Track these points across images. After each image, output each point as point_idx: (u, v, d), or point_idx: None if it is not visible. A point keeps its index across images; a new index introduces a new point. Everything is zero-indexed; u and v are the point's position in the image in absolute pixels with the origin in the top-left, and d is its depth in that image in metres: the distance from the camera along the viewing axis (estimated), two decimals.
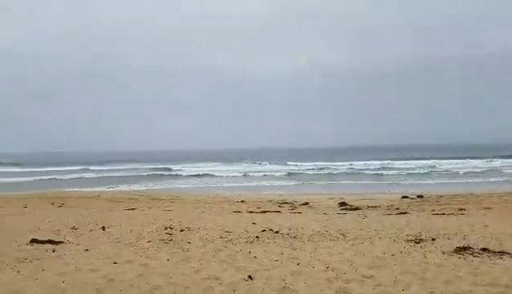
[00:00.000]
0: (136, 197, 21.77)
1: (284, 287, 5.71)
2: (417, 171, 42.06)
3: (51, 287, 5.67)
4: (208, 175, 43.04)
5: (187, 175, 42.29)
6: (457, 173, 40.00)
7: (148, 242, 8.77)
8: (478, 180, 33.34)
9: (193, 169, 48.96)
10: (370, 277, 6.15)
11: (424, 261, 7.00)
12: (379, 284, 5.81)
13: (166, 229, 10.30)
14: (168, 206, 17.10)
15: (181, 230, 10.12)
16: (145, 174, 43.70)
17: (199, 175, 42.85)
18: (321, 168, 47.36)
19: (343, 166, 50.17)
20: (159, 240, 8.93)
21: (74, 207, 16.23)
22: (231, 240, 8.97)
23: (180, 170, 48.29)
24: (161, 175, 43.46)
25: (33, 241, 8.53)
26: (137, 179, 38.57)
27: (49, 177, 40.16)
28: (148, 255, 7.58)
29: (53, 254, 7.62)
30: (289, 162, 56.96)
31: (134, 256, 7.44)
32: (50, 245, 8.28)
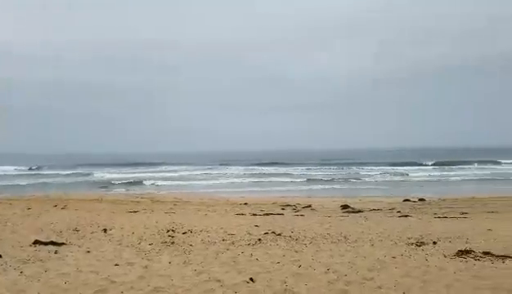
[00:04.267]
0: (139, 199, 21.81)
1: (285, 290, 5.72)
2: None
3: (53, 288, 5.71)
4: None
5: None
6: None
7: (150, 244, 8.80)
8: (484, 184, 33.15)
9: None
10: (371, 279, 6.15)
11: (426, 264, 6.99)
12: (379, 287, 5.82)
13: (168, 231, 10.33)
14: (171, 208, 17.13)
15: (184, 233, 10.15)
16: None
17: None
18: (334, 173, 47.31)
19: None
20: (161, 242, 8.96)
21: (76, 209, 16.27)
22: (233, 242, 8.99)
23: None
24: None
25: (36, 242, 8.59)
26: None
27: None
28: (149, 257, 7.61)
29: (55, 255, 7.66)
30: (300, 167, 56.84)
31: (135, 258, 7.47)
32: (52, 246, 8.34)
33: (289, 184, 36.09)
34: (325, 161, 67.69)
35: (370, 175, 43.20)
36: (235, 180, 40.59)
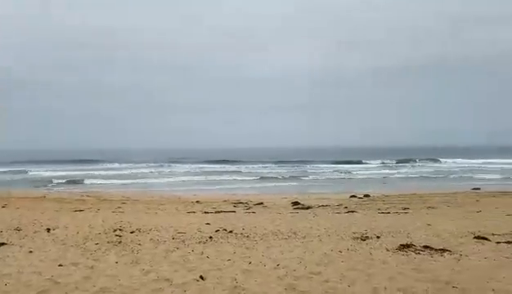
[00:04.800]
0: (84, 198, 21.05)
1: (235, 286, 5.76)
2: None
3: None
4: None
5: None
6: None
7: (96, 244, 8.53)
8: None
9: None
10: (318, 273, 6.33)
11: (370, 258, 7.28)
12: (326, 280, 6.00)
13: (115, 230, 10.06)
14: (119, 207, 16.67)
15: (132, 232, 9.93)
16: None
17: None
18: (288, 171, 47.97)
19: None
20: (108, 242, 8.70)
21: (17, 207, 15.44)
22: (183, 241, 8.90)
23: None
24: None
25: None
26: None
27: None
28: (95, 257, 7.38)
29: None
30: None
31: (80, 259, 7.22)
32: None
33: (241, 181, 36.21)
34: (279, 159, 68.48)
35: (320, 173, 44.32)
36: (187, 178, 40.05)
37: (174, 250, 7.99)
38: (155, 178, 39.77)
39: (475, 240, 8.80)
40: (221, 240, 8.99)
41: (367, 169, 49.69)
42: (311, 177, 39.90)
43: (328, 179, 38.23)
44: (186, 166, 55.37)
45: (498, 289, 5.57)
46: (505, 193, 21.50)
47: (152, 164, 57.02)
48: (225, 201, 19.59)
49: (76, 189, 28.25)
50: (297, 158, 68.31)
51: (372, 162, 59.35)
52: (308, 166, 54.94)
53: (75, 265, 6.79)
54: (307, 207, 16.47)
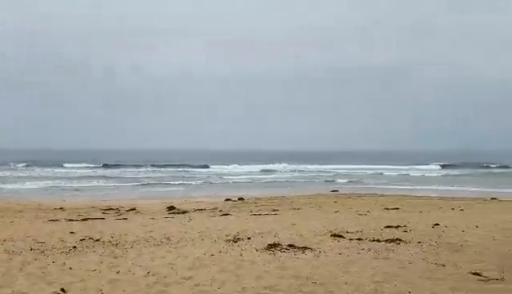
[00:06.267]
0: None
1: None
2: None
3: None
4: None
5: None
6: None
7: None
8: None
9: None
10: (190, 278, 6.38)
11: (240, 259, 7.58)
12: (196, 284, 6.07)
13: None
14: None
15: None
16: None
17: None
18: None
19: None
20: None
21: None
22: (43, 251, 8.17)
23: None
24: None
25: None
26: None
27: None
28: None
29: None
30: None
31: None
32: None
33: (113, 187, 34.29)
34: (158, 162, 66.56)
35: (199, 177, 44.32)
36: (51, 182, 36.40)
37: (32, 261, 7.30)
38: (11, 183, 35.38)
39: (332, 238, 9.76)
40: (86, 249, 8.46)
41: (245, 173, 51.28)
42: (189, 181, 39.68)
43: (206, 183, 38.48)
44: (50, 169, 50.52)
45: (350, 282, 6.27)
46: (358, 195, 24.24)
47: (7, 166, 50.77)
48: (93, 207, 18.40)
49: None
50: (178, 162, 67.33)
51: (251, 166, 61.48)
52: (188, 169, 54.66)
53: None
54: (183, 212, 16.39)
